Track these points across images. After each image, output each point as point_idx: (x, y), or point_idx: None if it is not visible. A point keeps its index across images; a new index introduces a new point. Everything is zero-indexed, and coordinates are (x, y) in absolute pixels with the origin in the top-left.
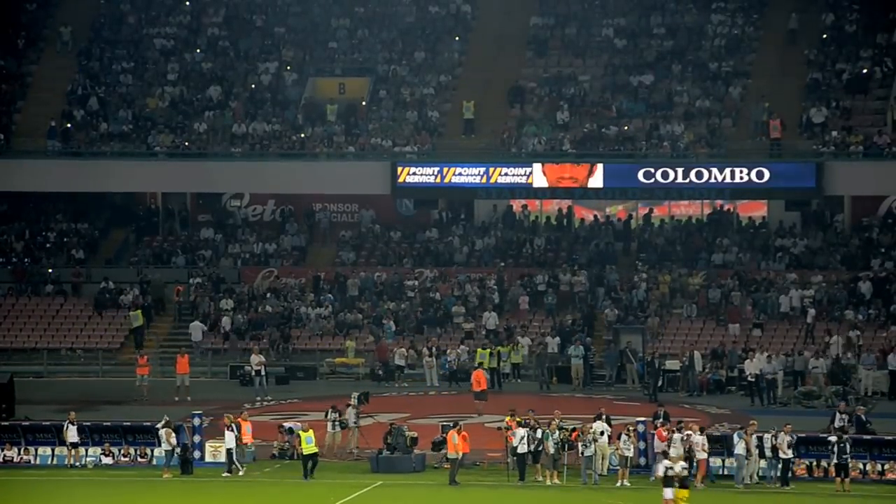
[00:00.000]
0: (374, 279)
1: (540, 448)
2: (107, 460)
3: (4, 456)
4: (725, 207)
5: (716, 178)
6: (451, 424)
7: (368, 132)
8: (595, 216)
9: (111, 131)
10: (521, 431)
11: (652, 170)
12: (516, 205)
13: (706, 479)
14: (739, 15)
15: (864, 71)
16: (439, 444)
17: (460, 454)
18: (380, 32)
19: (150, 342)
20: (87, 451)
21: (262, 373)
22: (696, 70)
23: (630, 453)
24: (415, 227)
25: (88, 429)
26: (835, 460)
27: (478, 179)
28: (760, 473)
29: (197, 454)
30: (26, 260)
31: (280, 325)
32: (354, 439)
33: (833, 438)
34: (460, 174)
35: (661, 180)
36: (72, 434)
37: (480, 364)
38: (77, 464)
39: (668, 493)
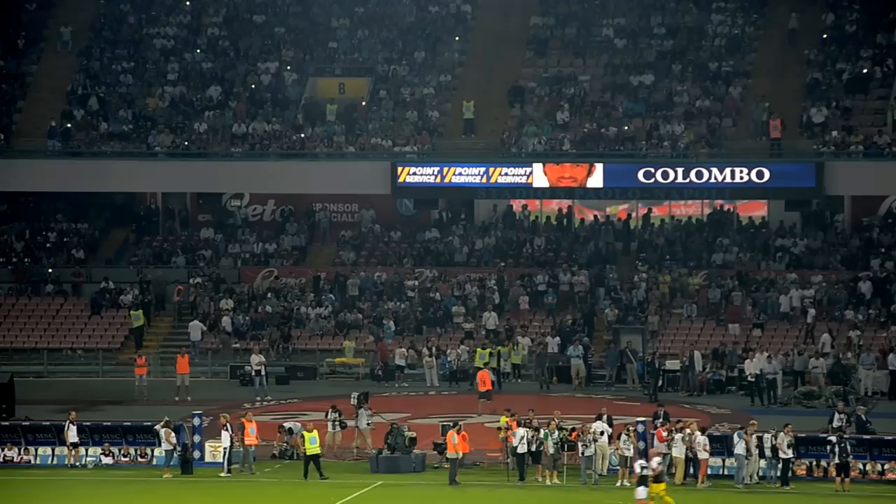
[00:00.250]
0: (374, 279)
1: (540, 448)
2: (107, 460)
3: (5, 456)
4: (725, 207)
5: (716, 177)
6: (451, 424)
7: (368, 132)
8: (595, 216)
9: (111, 131)
10: (521, 431)
11: (652, 170)
12: (516, 205)
13: (706, 478)
14: (739, 15)
15: (865, 71)
16: (442, 447)
17: (460, 454)
18: (380, 32)
19: (151, 342)
20: (87, 450)
21: (263, 373)
22: (697, 70)
23: (630, 453)
24: (415, 227)
25: (88, 429)
26: (836, 460)
27: (478, 179)
28: (760, 473)
29: (197, 454)
30: (26, 260)
31: (280, 325)
32: (368, 439)
33: (834, 438)
34: (460, 174)
35: (661, 180)
36: (72, 434)
37: (487, 364)
38: (77, 464)
39: (642, 492)
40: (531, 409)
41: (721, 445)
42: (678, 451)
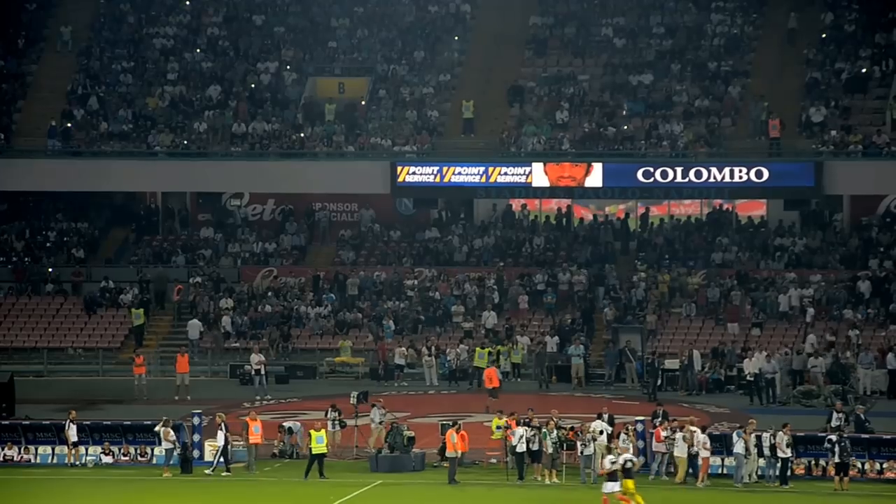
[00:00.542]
0: (373, 279)
1: (539, 447)
2: (107, 459)
3: (5, 455)
4: (725, 207)
5: (715, 177)
6: (450, 424)
7: (368, 132)
8: (594, 216)
9: (111, 131)
10: (521, 430)
11: (651, 169)
12: (516, 204)
13: (706, 477)
14: (739, 14)
15: (864, 70)
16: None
17: (459, 453)
18: (379, 32)
19: (151, 341)
20: (87, 450)
21: (262, 372)
22: (696, 69)
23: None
24: (414, 227)
25: (88, 428)
26: (836, 459)
27: (477, 179)
28: (759, 472)
29: (197, 453)
30: (26, 259)
31: (280, 325)
32: (379, 436)
33: (834, 437)
34: (460, 173)
35: (661, 180)
36: (72, 433)
37: (493, 362)
38: (77, 463)
39: (611, 486)
40: (530, 409)
41: (720, 444)
42: (680, 451)
